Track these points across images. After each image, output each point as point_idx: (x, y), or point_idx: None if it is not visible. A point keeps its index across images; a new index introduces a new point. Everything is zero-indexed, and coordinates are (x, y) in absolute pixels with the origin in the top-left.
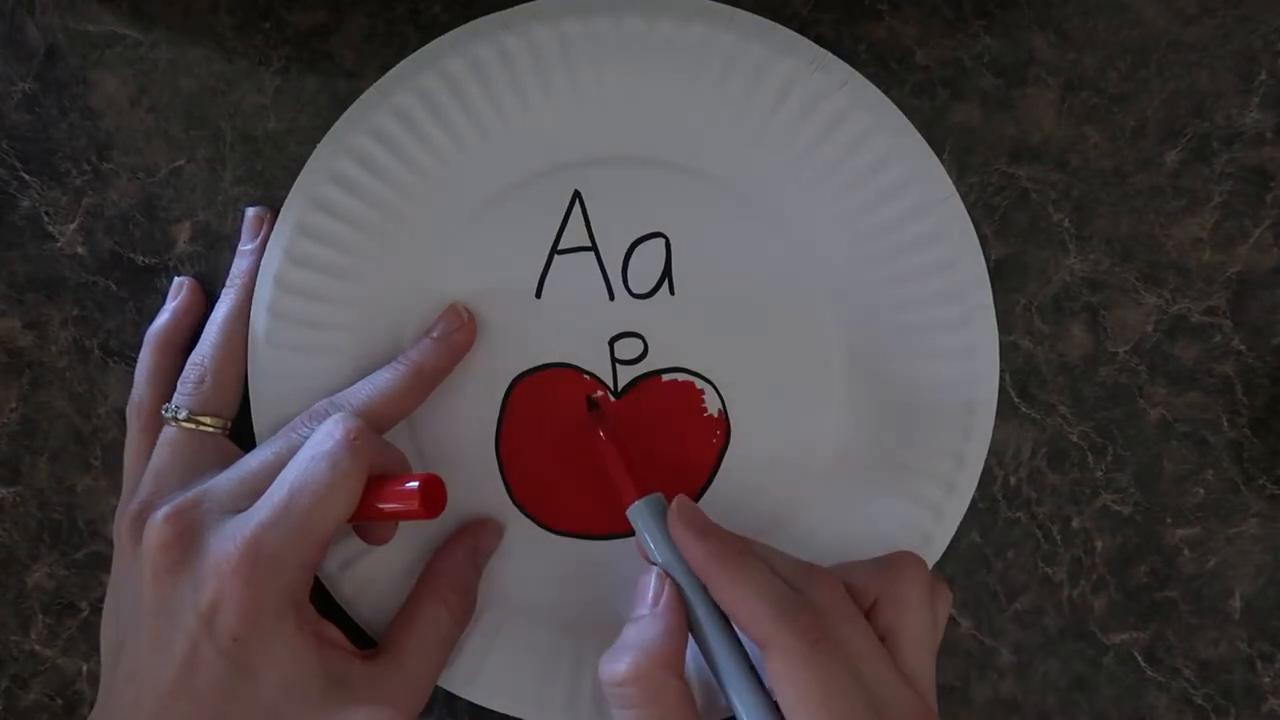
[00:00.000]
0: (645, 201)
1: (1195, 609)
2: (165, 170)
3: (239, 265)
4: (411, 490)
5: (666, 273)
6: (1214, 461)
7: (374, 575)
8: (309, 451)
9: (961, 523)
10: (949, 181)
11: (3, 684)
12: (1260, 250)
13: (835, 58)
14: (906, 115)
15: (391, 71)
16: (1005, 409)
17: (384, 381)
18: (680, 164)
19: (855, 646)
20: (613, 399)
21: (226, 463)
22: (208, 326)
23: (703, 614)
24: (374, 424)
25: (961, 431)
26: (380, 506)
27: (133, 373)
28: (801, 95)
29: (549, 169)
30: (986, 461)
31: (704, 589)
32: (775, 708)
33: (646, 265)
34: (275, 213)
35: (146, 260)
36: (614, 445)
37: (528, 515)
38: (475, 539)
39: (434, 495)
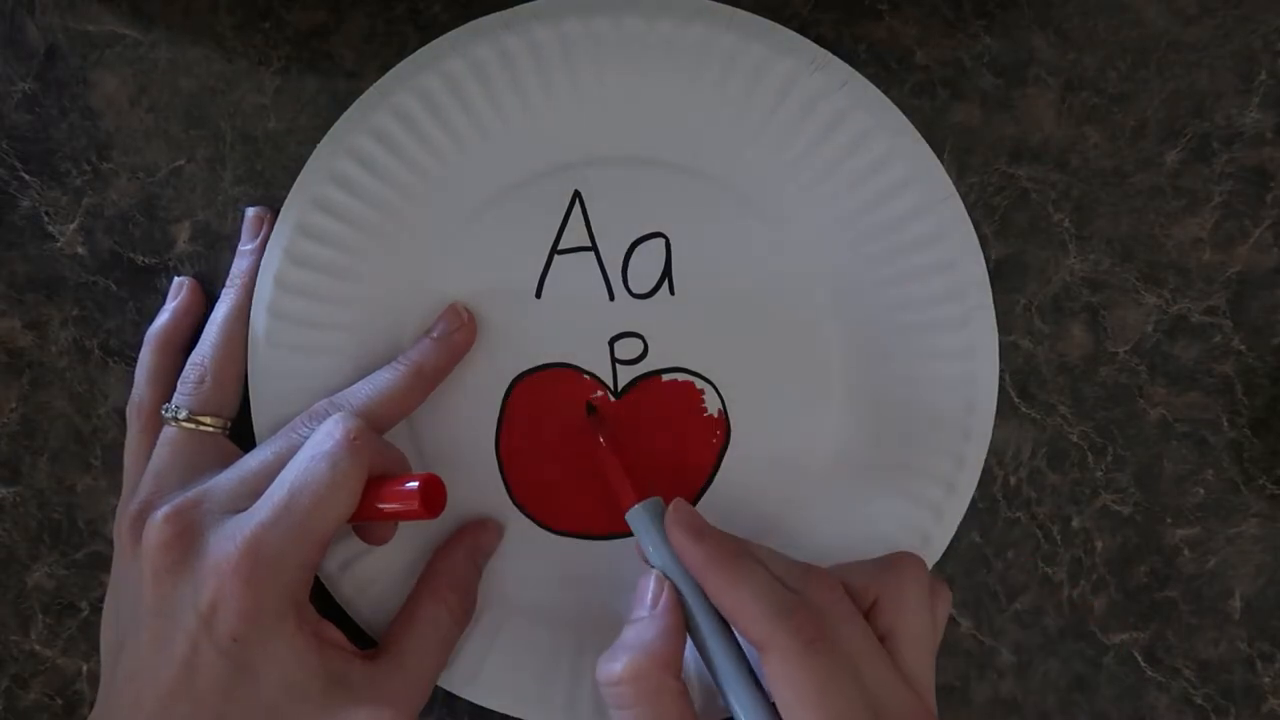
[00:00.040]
0: (645, 201)
1: (1195, 609)
2: (165, 170)
3: (239, 265)
4: (411, 490)
5: (666, 273)
6: (1214, 461)
7: (374, 575)
8: (309, 451)
9: (961, 523)
10: (949, 182)
11: (3, 684)
12: (1260, 250)
13: (835, 58)
14: (906, 115)
15: (391, 71)
16: (1005, 409)
17: (384, 381)
18: (680, 164)
19: (854, 647)
20: (613, 399)
21: (226, 463)
22: (208, 326)
23: (701, 616)
24: (374, 424)
25: (961, 431)
26: (380, 506)
27: (133, 373)
28: (801, 95)
29: (549, 169)
30: (986, 461)
31: (702, 591)
32: (773, 709)
33: (646, 265)
34: (275, 213)
35: (146, 260)
36: (613, 449)
37: (528, 515)
38: (475, 539)
39: (434, 495)
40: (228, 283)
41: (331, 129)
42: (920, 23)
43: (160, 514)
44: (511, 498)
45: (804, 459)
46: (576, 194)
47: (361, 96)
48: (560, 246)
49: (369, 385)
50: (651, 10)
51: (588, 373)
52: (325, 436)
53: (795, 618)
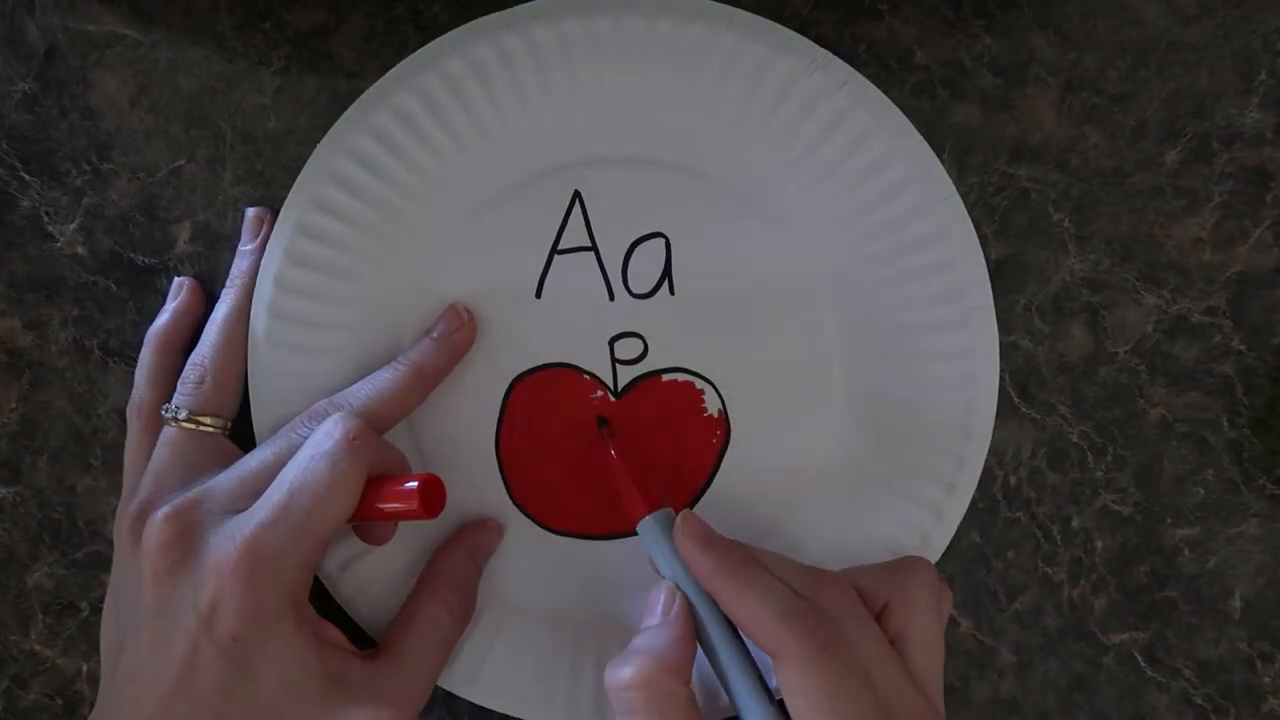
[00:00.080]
0: (645, 201)
1: (1195, 609)
2: (165, 170)
3: (239, 265)
4: (411, 490)
5: (666, 273)
6: (1214, 461)
7: (374, 575)
8: (308, 451)
9: (961, 523)
10: (949, 182)
11: (3, 684)
12: (1260, 250)
13: (835, 58)
14: (906, 115)
15: (391, 71)
16: (1005, 409)
17: (384, 381)
18: (680, 164)
19: (865, 651)
20: (612, 399)
21: (226, 463)
22: (208, 326)
23: (712, 626)
24: (374, 424)
25: (961, 431)
26: (380, 506)
27: (133, 373)
28: (801, 95)
29: (549, 169)
30: (986, 461)
31: (713, 601)
32: (785, 717)
33: (646, 265)
34: (275, 213)
35: (146, 260)
36: (624, 462)
37: (528, 515)
38: (475, 539)
39: (433, 495)
40: (228, 283)
41: (331, 129)
42: (920, 23)
43: (160, 514)
44: (511, 498)
45: (804, 459)
46: (576, 194)
47: (361, 96)
48: (560, 246)
49: (369, 385)
50: (651, 10)
51: (588, 373)
52: (325, 436)
53: (806, 623)
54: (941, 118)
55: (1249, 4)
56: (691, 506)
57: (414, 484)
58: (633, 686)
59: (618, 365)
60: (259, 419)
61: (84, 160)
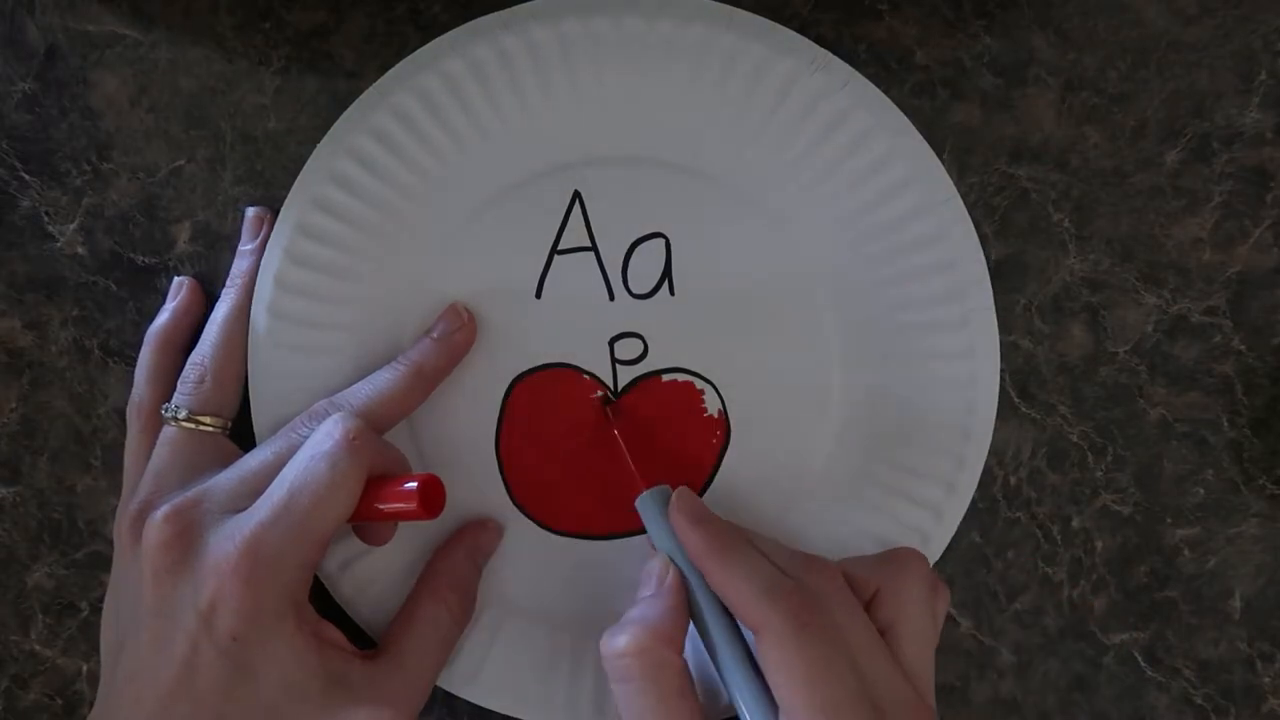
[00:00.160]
0: (645, 201)
1: (1195, 609)
2: (165, 170)
3: (239, 265)
4: (411, 490)
5: (666, 273)
6: (1214, 461)
7: (374, 575)
8: (308, 451)
9: (961, 523)
10: (949, 182)
11: (3, 684)
12: (1260, 250)
13: (835, 58)
14: (906, 115)
15: (391, 71)
16: (1005, 409)
17: (384, 381)
18: (680, 164)
19: (853, 638)
20: (613, 399)
21: (226, 462)
22: (208, 326)
23: (704, 602)
24: (374, 424)
25: (961, 431)
26: (380, 507)
27: (133, 373)
28: (801, 95)
29: (549, 169)
30: (986, 461)
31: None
32: (771, 695)
33: (646, 265)
34: (275, 213)
35: (146, 260)
36: (625, 439)
37: (528, 515)
38: (475, 539)
39: (433, 495)
40: (228, 283)
41: (331, 129)
42: (920, 23)
43: (160, 514)
44: (511, 498)
45: (804, 459)
46: (576, 194)
47: (361, 96)
48: (560, 246)
49: (369, 385)
50: (651, 10)
51: (588, 373)
52: (325, 436)
53: (790, 601)
54: (941, 118)
55: (1249, 4)
56: None
57: (414, 484)
58: (627, 654)
59: (618, 365)
60: (259, 419)
61: (84, 160)
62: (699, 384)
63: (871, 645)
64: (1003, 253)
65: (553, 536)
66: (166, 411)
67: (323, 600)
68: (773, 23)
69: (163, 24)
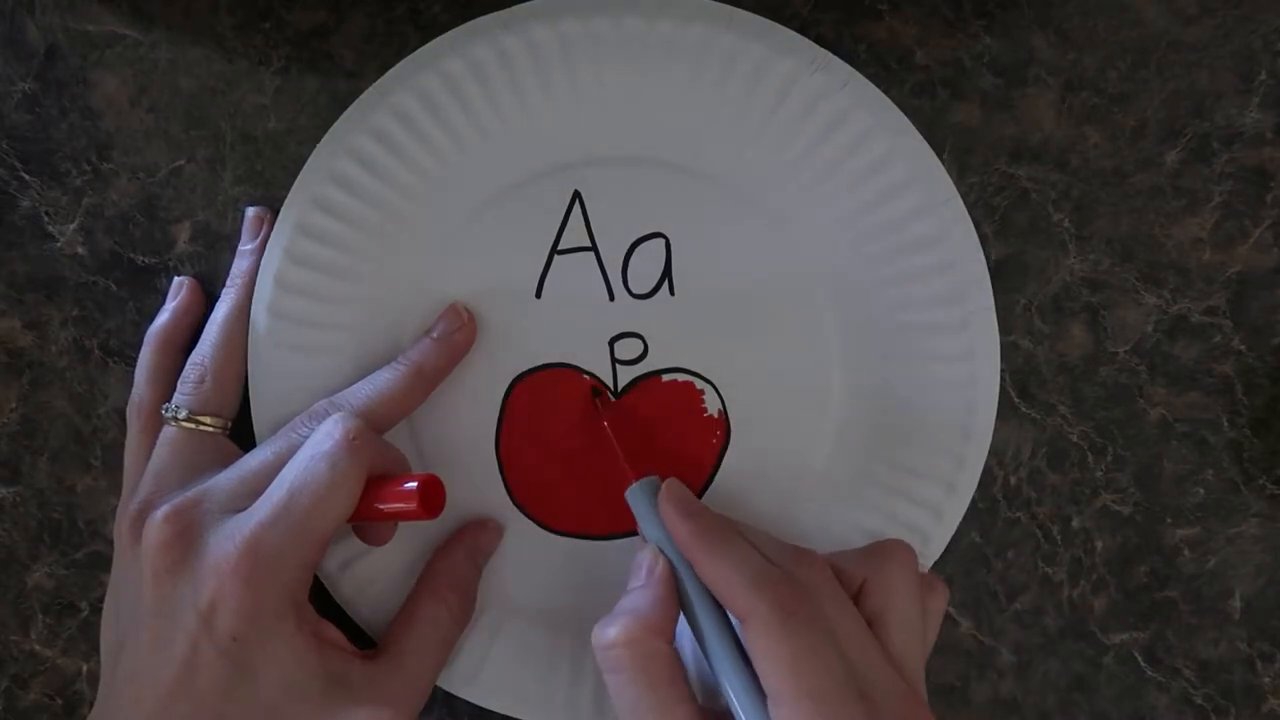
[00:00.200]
0: (645, 201)
1: (1195, 609)
2: (165, 170)
3: (239, 265)
4: (411, 490)
5: (666, 273)
6: (1214, 461)
7: (374, 575)
8: (308, 451)
9: (961, 523)
10: (950, 182)
11: (3, 684)
12: (1260, 250)
13: (835, 58)
14: (906, 115)
15: (391, 71)
16: (1005, 409)
17: (384, 381)
18: (680, 164)
19: (840, 627)
20: (613, 399)
21: (226, 462)
22: (208, 326)
23: (693, 592)
24: (374, 424)
25: (961, 432)
26: (380, 507)
27: (133, 373)
28: (801, 95)
29: (549, 169)
30: (986, 461)
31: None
32: (759, 682)
33: (646, 265)
34: (275, 213)
35: (146, 260)
36: (624, 437)
37: (528, 515)
38: (475, 539)
39: (433, 495)
40: (228, 283)
41: (331, 129)
42: (920, 23)
43: (160, 514)
44: (511, 498)
45: (804, 459)
46: (576, 194)
47: (361, 96)
48: (560, 246)
49: (369, 385)
50: (651, 10)
51: (588, 373)
52: (325, 436)
53: (776, 590)
54: (941, 118)
55: (1249, 4)
56: None
57: (414, 484)
58: (617, 645)
59: (618, 365)
60: (259, 419)
61: (84, 160)
62: (699, 384)
63: (859, 634)
64: (1003, 253)
65: (553, 536)
66: (166, 411)
67: (323, 600)
68: (773, 23)
69: (163, 24)
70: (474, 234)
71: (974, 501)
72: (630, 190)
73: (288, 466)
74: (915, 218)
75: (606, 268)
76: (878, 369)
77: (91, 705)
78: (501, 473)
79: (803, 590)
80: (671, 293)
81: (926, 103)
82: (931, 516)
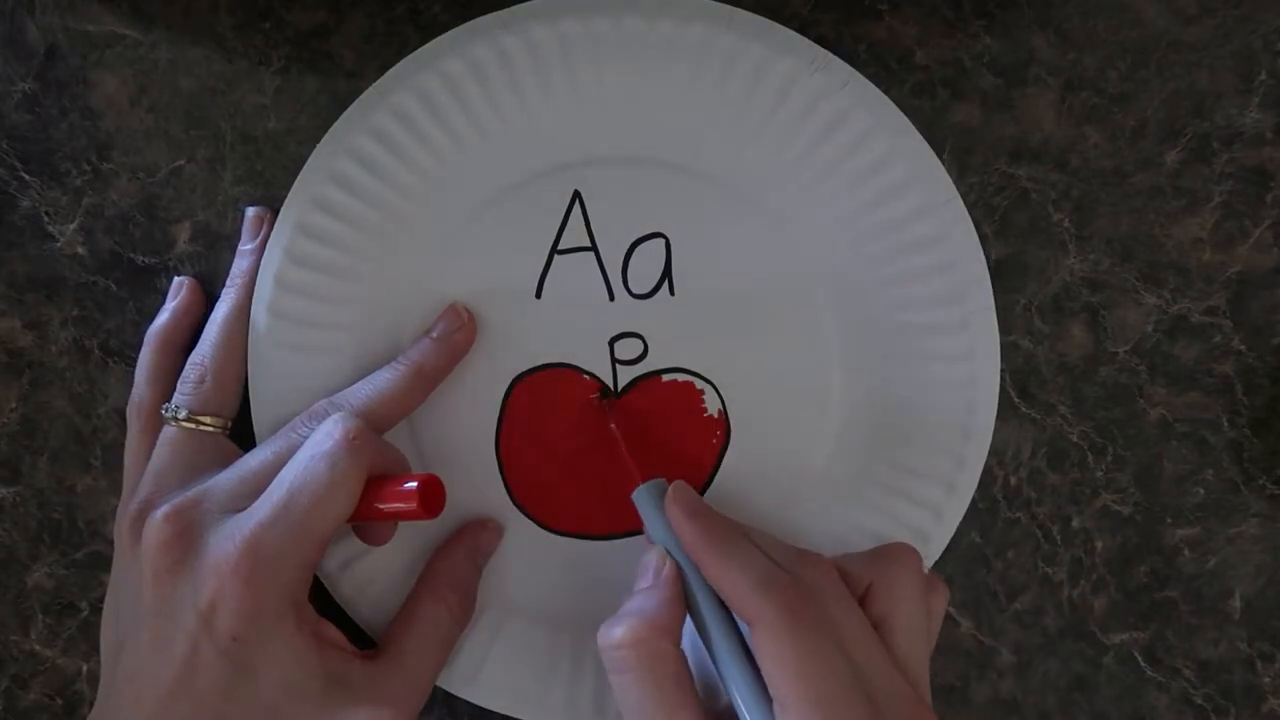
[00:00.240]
0: (645, 201)
1: (1195, 609)
2: (165, 170)
3: (239, 265)
4: (411, 490)
5: (666, 273)
6: (1214, 461)
7: (374, 575)
8: (308, 451)
9: (961, 523)
10: (950, 182)
11: (3, 684)
12: (1260, 250)
13: (835, 58)
14: (906, 115)
15: (391, 71)
16: (1005, 409)
17: (384, 381)
18: (680, 164)
19: (846, 631)
20: (611, 395)
21: (226, 462)
22: (208, 326)
23: (700, 594)
24: (374, 424)
25: (961, 431)
26: (379, 507)
27: (133, 373)
28: (801, 95)
29: (549, 169)
30: (986, 461)
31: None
32: (766, 686)
33: (646, 265)
34: (275, 213)
35: (146, 260)
36: (624, 436)
37: (528, 515)
38: (475, 539)
39: (433, 495)
40: (228, 282)
41: (331, 129)
42: (920, 23)
43: (160, 514)
44: (511, 498)
45: (804, 459)
46: (576, 194)
47: (361, 96)
48: (560, 246)
49: (369, 385)
50: (651, 10)
51: (588, 373)
52: (325, 436)
53: (784, 593)
54: (941, 118)
55: (1249, 4)
56: None
57: (414, 484)
58: (624, 645)
59: (618, 365)
60: (259, 419)
61: (84, 160)
62: (699, 384)
63: (865, 638)
64: (1003, 253)
65: (553, 536)
66: (166, 411)
67: (323, 600)
68: (773, 23)
69: (163, 24)
70: (474, 234)
71: (974, 501)
72: (630, 190)
73: (287, 466)
74: (915, 218)
75: (606, 268)
76: (878, 369)
77: (91, 705)
78: (501, 473)
79: (809, 594)
80: (671, 293)
81: (926, 103)
82: (931, 516)
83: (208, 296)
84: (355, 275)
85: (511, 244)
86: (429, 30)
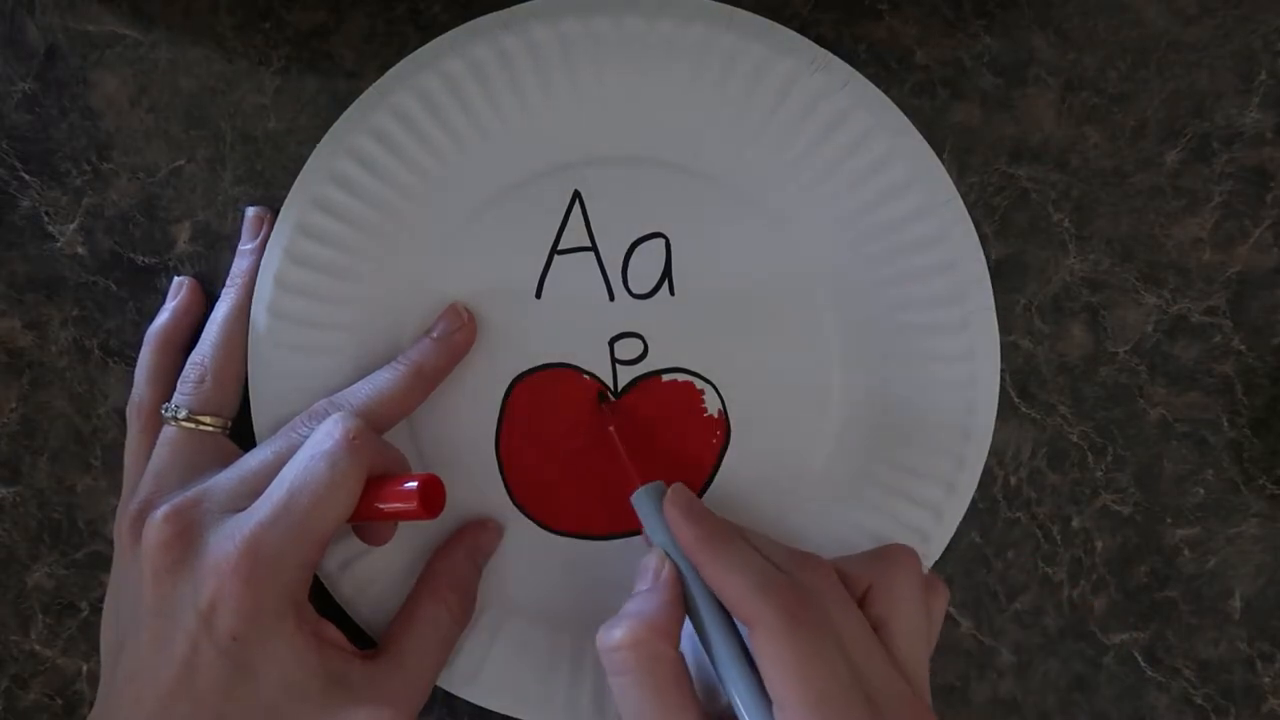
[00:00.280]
0: (645, 201)
1: (1195, 609)
2: (165, 170)
3: (239, 265)
4: (411, 490)
5: (666, 273)
6: (1214, 461)
7: (374, 575)
8: (308, 451)
9: (961, 523)
10: (950, 182)
11: (3, 684)
12: (1260, 250)
13: (835, 58)
14: (906, 115)
15: (391, 71)
16: (1005, 409)
17: (384, 381)
18: (680, 164)
19: (846, 632)
20: (613, 399)
21: (226, 462)
22: (208, 326)
23: (699, 597)
24: (374, 424)
25: (961, 431)
26: (379, 506)
27: (133, 373)
28: (801, 95)
29: (549, 169)
30: (986, 461)
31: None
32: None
33: (646, 265)
34: (275, 213)
35: (146, 260)
36: (623, 437)
37: (528, 515)
38: (475, 539)
39: (433, 495)
40: (228, 282)
41: (331, 129)
42: (920, 23)
43: (160, 513)
44: (511, 498)
45: (804, 459)
46: (576, 194)
47: (361, 96)
48: (560, 246)
49: (369, 385)
50: (651, 10)
51: (588, 373)
52: (325, 436)
53: (782, 595)
54: (941, 118)
55: (1249, 4)
56: None
57: (414, 484)
58: (623, 647)
59: (618, 365)
60: (259, 419)
61: (84, 160)
62: (699, 384)
63: (865, 640)
64: (1003, 253)
65: (553, 536)
66: (166, 411)
67: (323, 600)
68: (773, 23)
69: (163, 24)
70: (474, 234)
71: (974, 501)
72: (630, 190)
73: (288, 466)
74: (915, 218)
75: (606, 268)
76: (878, 369)
77: (91, 705)
78: (501, 473)
79: (808, 595)
80: (671, 293)
81: (926, 103)
82: (931, 516)
83: (208, 296)
84: (355, 275)
85: (511, 244)
86: (429, 30)
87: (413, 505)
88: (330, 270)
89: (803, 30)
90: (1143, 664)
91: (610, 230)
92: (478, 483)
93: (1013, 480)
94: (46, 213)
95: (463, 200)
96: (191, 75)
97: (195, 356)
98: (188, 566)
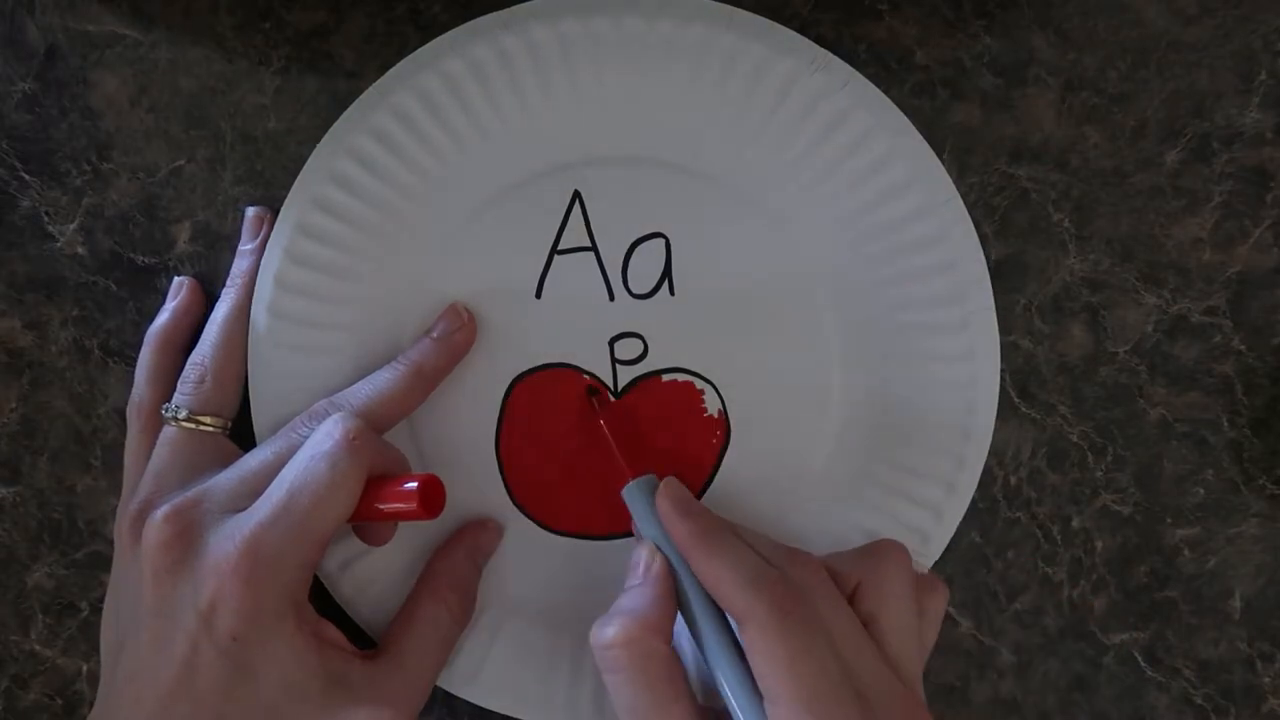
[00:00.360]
0: (645, 201)
1: (1195, 609)
2: (165, 170)
3: (239, 265)
4: (411, 490)
5: (666, 273)
6: (1214, 461)
7: (374, 575)
8: (308, 451)
9: (961, 523)
10: (950, 182)
11: (3, 684)
12: (1260, 250)
13: (835, 58)
14: (906, 115)
15: (391, 71)
16: (1005, 409)
17: (384, 381)
18: (680, 164)
19: (835, 628)
20: (612, 399)
21: (226, 462)
22: (208, 326)
23: (690, 591)
24: (374, 424)
25: (961, 431)
26: (380, 507)
27: (133, 373)
28: (801, 95)
29: (549, 169)
30: (986, 461)
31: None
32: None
33: (646, 265)
34: (275, 213)
35: (146, 260)
36: (624, 437)
37: (528, 515)
38: (475, 539)
39: (433, 495)
40: (228, 282)
41: (331, 129)
42: (920, 23)
43: (160, 514)
44: (511, 498)
45: (804, 459)
46: (576, 194)
47: (361, 96)
48: (560, 246)
49: (369, 385)
50: (651, 10)
51: (588, 373)
52: (325, 436)
53: (773, 590)
54: (941, 118)
55: (1249, 4)
56: None
57: (414, 484)
58: (616, 645)
59: (618, 365)
60: (259, 419)
61: (84, 160)
62: (699, 384)
63: (854, 635)
64: (1003, 253)
65: (553, 536)
66: (166, 411)
67: (323, 600)
68: (773, 23)
69: (163, 24)
70: (474, 234)
71: (974, 501)
72: (630, 190)
73: (288, 466)
74: (915, 218)
75: (606, 268)
76: (878, 369)
77: (91, 705)
78: (501, 473)
79: (798, 591)
80: (671, 293)
81: (926, 103)
82: (931, 516)
83: (208, 296)
84: (355, 275)
85: (511, 244)
86: (429, 30)
87: (413, 505)
88: (330, 270)
89: (803, 30)
90: (1143, 664)
91: (610, 230)
92: (478, 483)
93: (1013, 480)
94: (46, 213)
95: (463, 200)
96: (191, 75)
97: (195, 357)
98: (188, 567)
